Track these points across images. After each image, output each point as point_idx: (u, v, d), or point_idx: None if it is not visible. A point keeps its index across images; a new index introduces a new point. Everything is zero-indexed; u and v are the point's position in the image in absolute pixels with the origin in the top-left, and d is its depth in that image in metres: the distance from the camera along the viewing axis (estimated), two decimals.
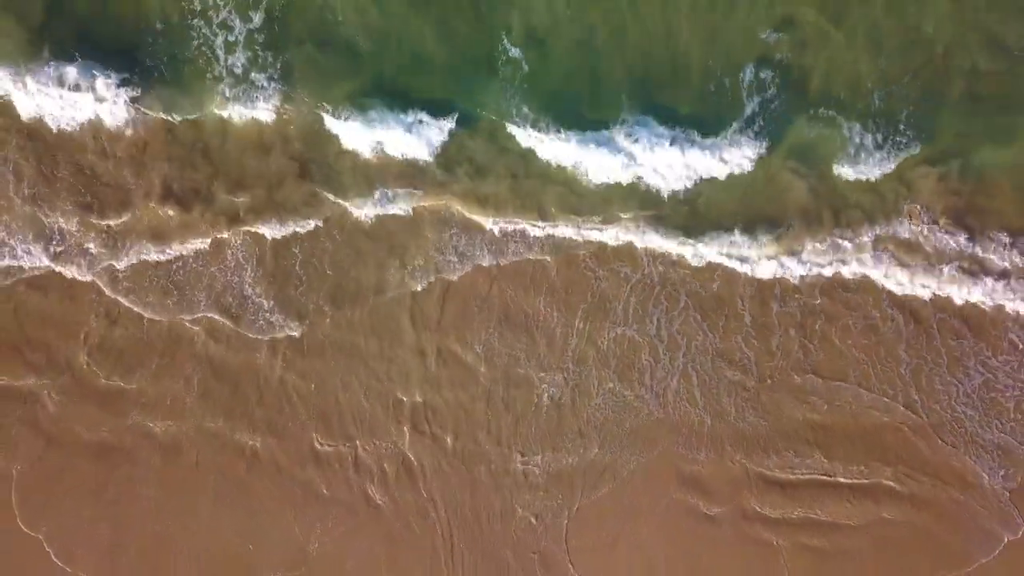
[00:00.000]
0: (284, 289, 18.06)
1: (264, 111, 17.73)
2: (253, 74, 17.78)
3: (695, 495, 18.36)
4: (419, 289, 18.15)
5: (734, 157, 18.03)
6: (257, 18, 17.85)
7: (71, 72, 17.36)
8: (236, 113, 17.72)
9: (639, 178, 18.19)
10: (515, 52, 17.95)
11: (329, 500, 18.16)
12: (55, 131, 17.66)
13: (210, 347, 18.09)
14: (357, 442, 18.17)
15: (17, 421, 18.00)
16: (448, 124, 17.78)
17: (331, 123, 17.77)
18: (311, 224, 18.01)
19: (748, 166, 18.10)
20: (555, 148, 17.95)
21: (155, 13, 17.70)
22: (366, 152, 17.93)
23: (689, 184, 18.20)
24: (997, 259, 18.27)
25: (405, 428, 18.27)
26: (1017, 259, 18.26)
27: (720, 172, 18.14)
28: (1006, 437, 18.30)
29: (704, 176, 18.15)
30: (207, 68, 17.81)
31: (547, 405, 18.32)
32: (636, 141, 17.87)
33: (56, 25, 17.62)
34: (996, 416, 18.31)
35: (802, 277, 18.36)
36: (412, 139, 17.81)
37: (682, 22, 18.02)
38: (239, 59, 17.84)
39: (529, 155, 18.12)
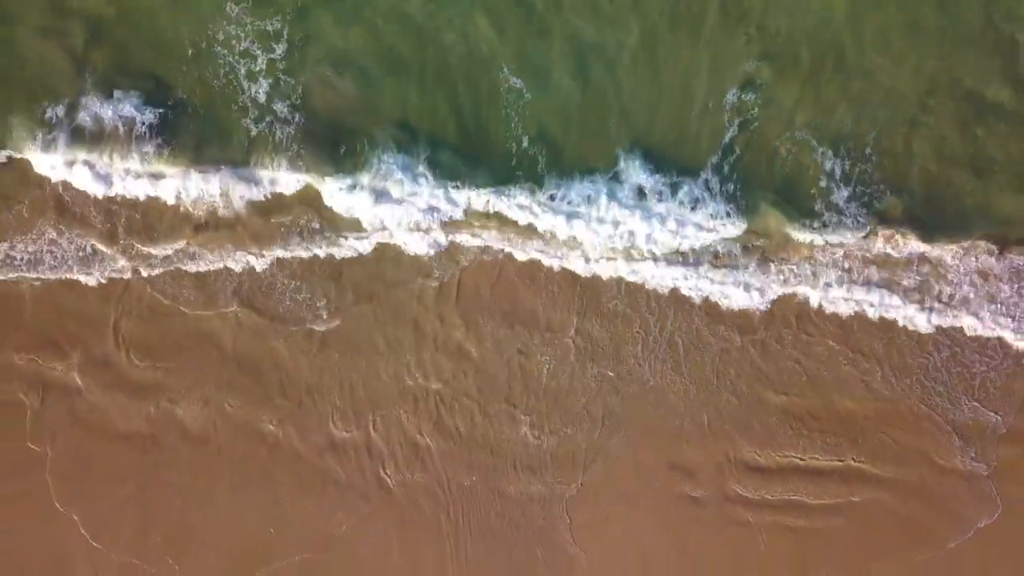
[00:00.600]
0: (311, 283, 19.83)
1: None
2: None
3: (682, 479, 19.95)
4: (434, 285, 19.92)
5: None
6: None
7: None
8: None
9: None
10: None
11: (345, 485, 19.78)
12: None
13: (235, 341, 19.83)
14: (371, 430, 19.87)
15: (56, 410, 19.70)
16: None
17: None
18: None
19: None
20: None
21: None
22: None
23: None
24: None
25: (416, 414, 19.97)
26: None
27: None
28: (978, 416, 19.90)
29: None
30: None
31: (549, 384, 20.02)
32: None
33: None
34: (967, 395, 19.93)
35: None
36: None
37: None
38: None
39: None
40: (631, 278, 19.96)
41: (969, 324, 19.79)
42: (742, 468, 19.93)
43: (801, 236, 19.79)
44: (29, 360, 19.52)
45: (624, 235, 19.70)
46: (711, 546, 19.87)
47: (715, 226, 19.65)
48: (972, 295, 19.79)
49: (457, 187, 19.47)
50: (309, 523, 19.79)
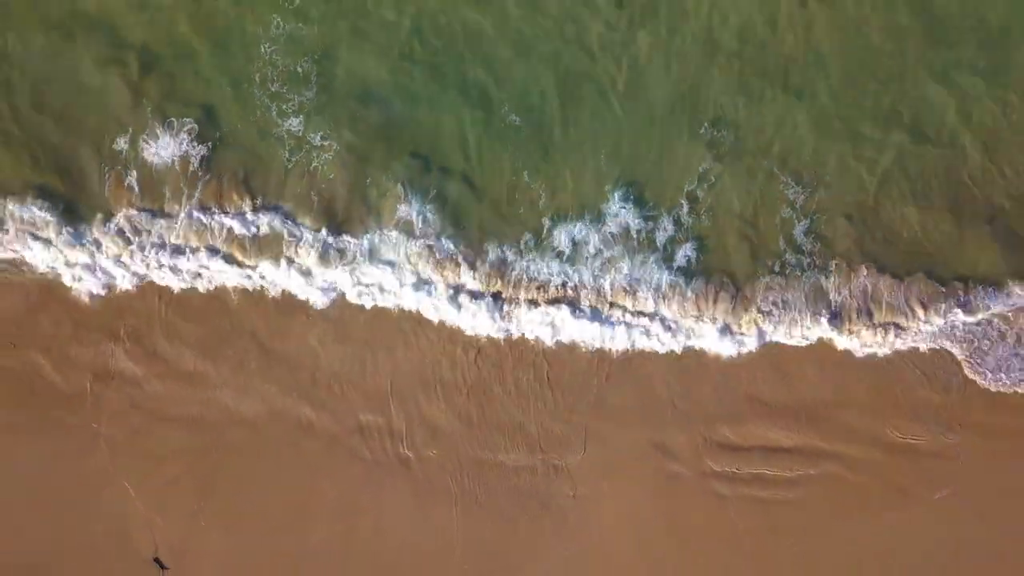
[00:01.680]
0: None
1: None
2: None
3: (664, 457, 22.89)
4: None
5: None
6: None
7: None
8: None
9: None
10: None
11: (371, 462, 22.81)
12: None
13: (272, 339, 22.85)
14: (392, 413, 22.94)
15: (117, 396, 22.78)
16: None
17: None
18: None
19: None
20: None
21: None
22: None
23: None
24: None
25: (430, 400, 23.01)
26: None
27: None
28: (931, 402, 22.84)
29: None
30: None
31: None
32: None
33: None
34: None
35: None
36: None
37: None
38: None
39: None
40: None
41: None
42: (716, 447, 22.86)
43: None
44: (95, 352, 22.58)
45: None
46: (693, 515, 22.77)
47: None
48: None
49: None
50: (339, 495, 22.80)
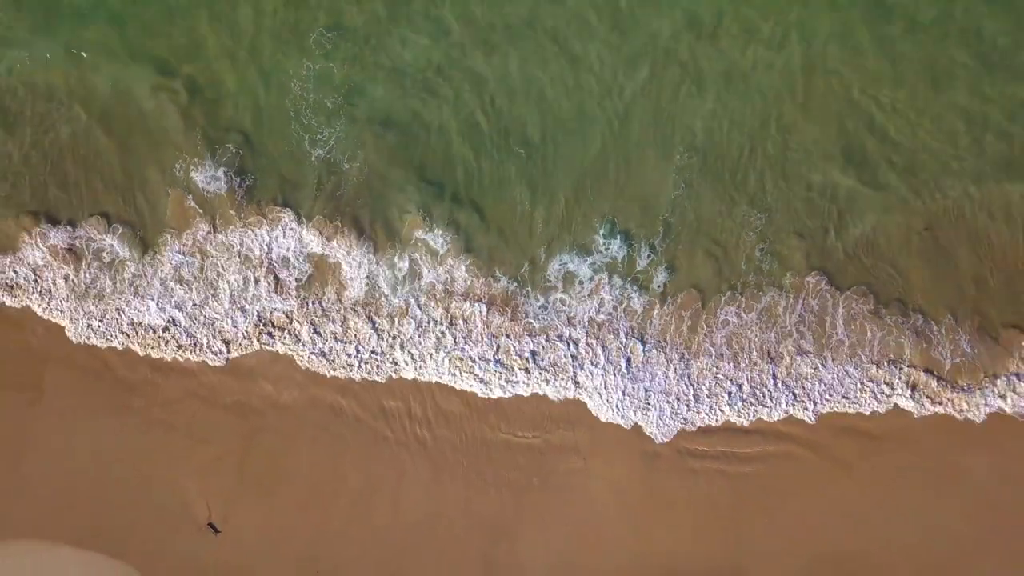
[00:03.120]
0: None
1: None
2: None
3: (643, 439, 26.69)
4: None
5: None
6: None
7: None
8: None
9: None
10: None
11: (392, 440, 26.62)
12: None
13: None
14: (411, 401, 26.79)
15: (182, 391, 26.63)
16: None
17: None
18: None
19: None
20: None
21: None
22: None
23: None
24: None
25: (443, 390, 26.91)
26: None
27: None
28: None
29: None
30: None
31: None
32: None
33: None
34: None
35: None
36: None
37: None
38: None
39: None
40: None
41: None
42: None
43: None
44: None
45: None
46: (669, 487, 26.52)
47: None
48: None
49: None
50: (364, 469, 26.57)
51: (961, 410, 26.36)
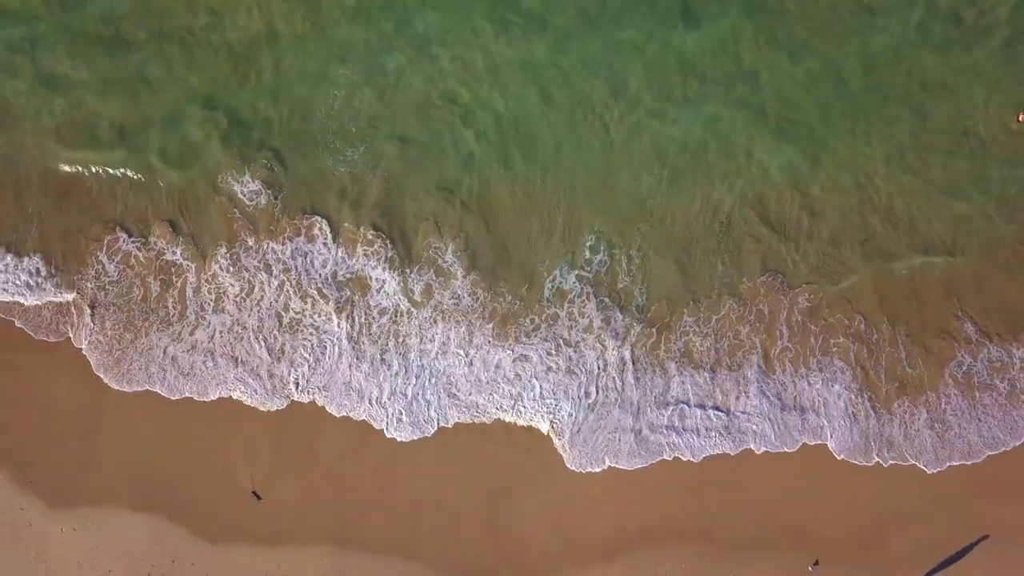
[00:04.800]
0: None
1: None
2: None
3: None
4: None
5: None
6: None
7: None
8: None
9: None
10: None
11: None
12: None
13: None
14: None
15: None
16: None
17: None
18: None
19: None
20: None
21: None
22: None
23: None
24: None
25: None
26: None
27: None
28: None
29: None
30: None
31: None
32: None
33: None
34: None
35: None
36: None
37: None
38: None
39: None
40: None
41: None
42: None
43: None
44: None
45: None
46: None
47: None
48: None
49: None
50: (384, 448, 31.06)
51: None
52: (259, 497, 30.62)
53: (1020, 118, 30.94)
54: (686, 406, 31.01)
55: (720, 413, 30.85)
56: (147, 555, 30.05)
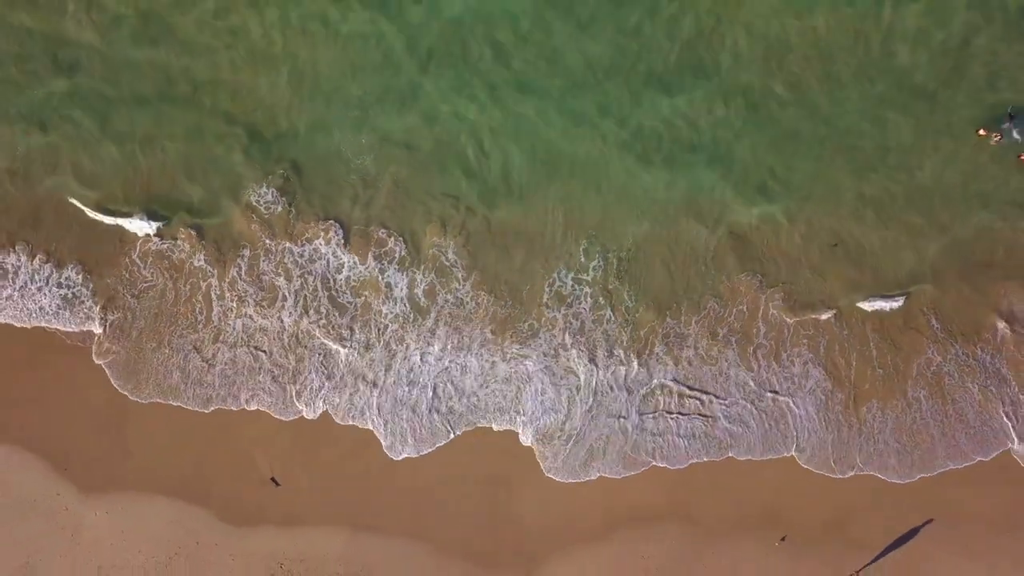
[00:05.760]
0: None
1: None
2: None
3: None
4: None
5: None
6: None
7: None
8: None
9: None
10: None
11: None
12: None
13: None
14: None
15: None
16: None
17: None
18: None
19: None
20: None
21: None
22: None
23: None
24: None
25: None
26: None
27: None
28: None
29: None
30: None
31: None
32: None
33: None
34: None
35: None
36: None
37: None
38: None
39: None
40: None
41: None
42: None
43: None
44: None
45: None
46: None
47: None
48: None
49: None
50: None
51: None
52: (277, 483, 33.09)
53: (981, 132, 33.63)
54: (671, 412, 33.66)
55: (704, 418, 33.49)
56: (173, 536, 32.57)
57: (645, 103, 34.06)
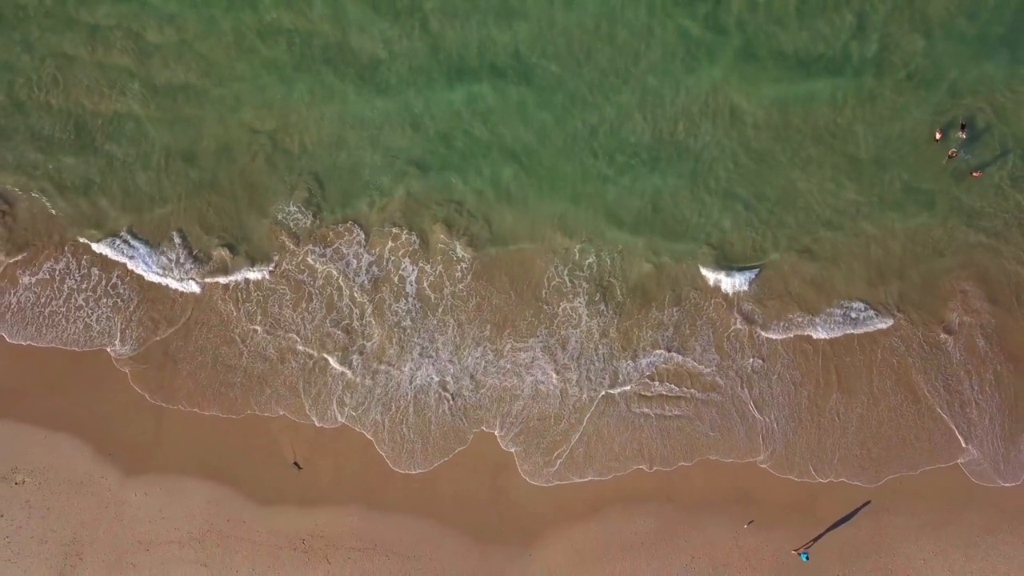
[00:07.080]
0: None
1: None
2: None
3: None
4: None
5: None
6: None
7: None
8: None
9: None
10: None
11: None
12: None
13: None
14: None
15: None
16: None
17: None
18: None
19: None
20: None
21: None
22: None
23: None
24: None
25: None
26: None
27: None
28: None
29: None
30: None
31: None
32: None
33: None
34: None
35: None
36: None
37: None
38: None
39: None
40: None
41: None
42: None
43: None
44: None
45: None
46: (617, 437, 37.31)
47: None
48: None
49: None
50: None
51: None
52: (300, 467, 36.46)
53: (939, 135, 37.15)
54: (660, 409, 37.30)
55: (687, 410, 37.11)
56: (206, 515, 35.94)
57: None
